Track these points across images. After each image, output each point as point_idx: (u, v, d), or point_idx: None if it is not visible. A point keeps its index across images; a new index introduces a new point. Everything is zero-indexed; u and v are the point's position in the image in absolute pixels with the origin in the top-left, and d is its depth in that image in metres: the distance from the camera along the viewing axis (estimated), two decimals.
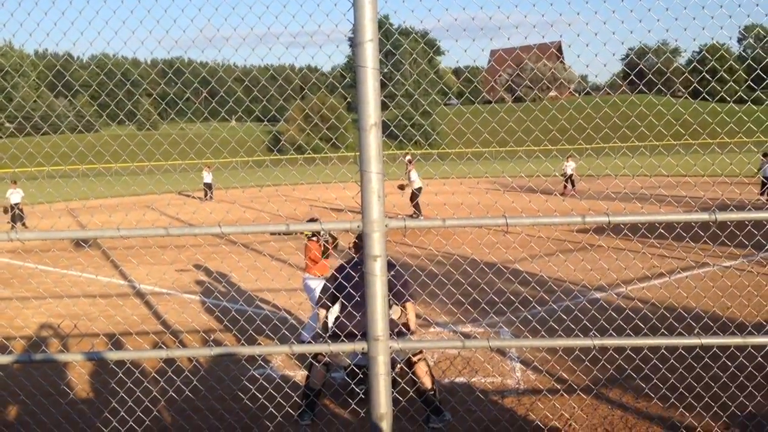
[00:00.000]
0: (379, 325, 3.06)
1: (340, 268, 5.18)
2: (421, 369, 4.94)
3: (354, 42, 2.88)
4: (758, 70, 3.58)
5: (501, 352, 6.77)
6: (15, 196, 20.63)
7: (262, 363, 6.74)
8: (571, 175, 25.30)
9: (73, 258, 13.83)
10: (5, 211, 20.32)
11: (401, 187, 18.92)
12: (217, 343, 7.51)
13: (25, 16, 3.53)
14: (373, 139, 2.91)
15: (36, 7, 3.51)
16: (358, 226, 3.01)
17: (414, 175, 18.65)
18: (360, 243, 3.47)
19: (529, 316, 7.83)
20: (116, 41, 3.72)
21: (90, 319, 8.80)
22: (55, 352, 5.68)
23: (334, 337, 4.98)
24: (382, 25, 3.13)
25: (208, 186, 29.53)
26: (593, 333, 4.04)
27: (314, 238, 7.43)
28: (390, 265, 4.30)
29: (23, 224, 20.76)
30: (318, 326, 5.62)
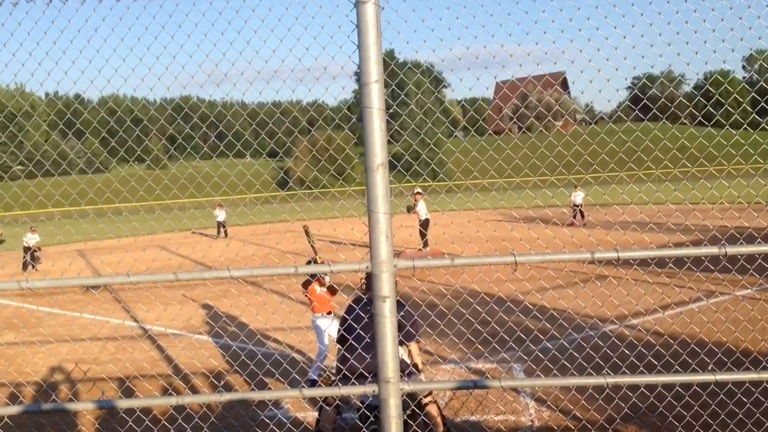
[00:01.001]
0: (390, 367, 3.03)
1: (350, 309, 5.15)
2: (433, 411, 4.88)
3: (360, 83, 2.92)
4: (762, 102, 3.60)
5: (514, 389, 6.68)
6: (32, 241, 21.11)
7: (272, 407, 6.67)
8: (580, 206, 25.25)
9: (84, 301, 13.84)
10: (25, 251, 20.66)
11: (409, 210, 19.09)
12: (228, 387, 7.45)
13: (35, 65, 3.60)
14: (379, 179, 2.92)
15: (47, 56, 3.59)
16: (367, 267, 3.00)
17: (422, 206, 18.82)
18: (368, 283, 3.46)
19: (541, 354, 7.73)
20: (127, 84, 3.80)
21: (100, 363, 8.77)
22: (64, 400, 5.65)
23: (345, 379, 4.93)
24: (386, 63, 3.17)
25: (221, 224, 29.73)
26: (606, 371, 3.99)
27: (310, 281, 7.52)
28: (399, 305, 4.28)
29: (34, 267, 20.89)
30: (330, 368, 5.59)
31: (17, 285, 3.12)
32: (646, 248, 3.12)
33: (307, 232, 7.80)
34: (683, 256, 3.03)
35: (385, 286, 2.97)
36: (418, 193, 19.45)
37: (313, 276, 7.42)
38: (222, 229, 29.78)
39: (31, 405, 3.33)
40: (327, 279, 7.51)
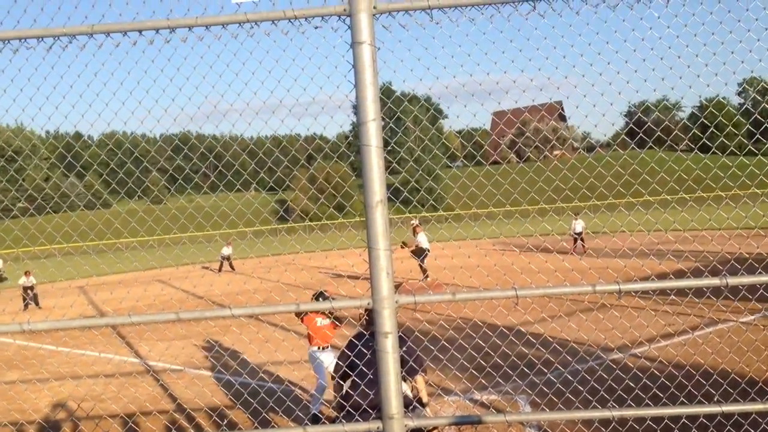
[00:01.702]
0: (393, 403, 3.01)
1: (351, 344, 5.13)
2: None
3: (357, 122, 2.96)
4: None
5: (519, 422, 6.61)
6: (28, 283, 21.21)
7: None
8: (581, 233, 25.32)
9: (86, 339, 13.78)
10: (24, 291, 20.73)
11: (404, 245, 18.99)
12: (231, 425, 7.38)
13: (35, 110, 3.65)
14: (379, 216, 2.94)
15: (47, 101, 3.64)
16: (369, 303, 3.00)
17: (422, 237, 18.78)
18: (370, 318, 3.46)
19: (545, 386, 7.67)
20: (127, 126, 3.84)
21: (102, 401, 8.70)
22: None
23: (348, 416, 4.89)
24: (384, 95, 3.22)
25: (226, 258, 29.87)
26: (611, 403, 3.96)
27: (307, 313, 7.46)
28: (401, 340, 4.27)
29: (37, 305, 20.87)
30: (333, 404, 5.55)
31: (19, 327, 3.12)
32: (647, 280, 3.12)
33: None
34: (685, 288, 3.04)
35: (387, 322, 2.97)
36: (417, 225, 19.49)
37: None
38: (227, 263, 29.80)
39: None
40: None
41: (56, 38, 3.02)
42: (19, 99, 3.34)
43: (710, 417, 5.78)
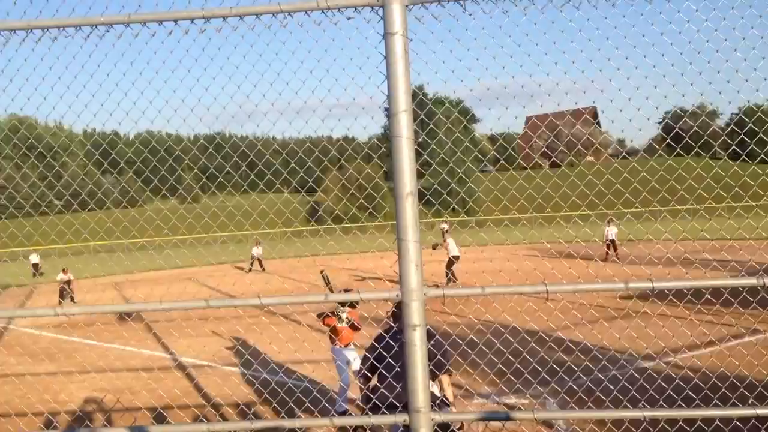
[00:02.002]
0: (420, 397, 2.99)
1: (379, 338, 5.12)
2: None
3: (389, 113, 2.95)
4: None
5: (548, 424, 6.53)
6: (65, 278, 21.88)
7: None
8: (613, 240, 24.97)
9: (117, 332, 14.01)
10: (61, 292, 21.25)
11: (435, 247, 18.85)
12: (257, 416, 7.43)
13: (73, 98, 3.71)
14: (409, 207, 2.93)
15: (84, 89, 3.70)
16: (397, 296, 2.99)
17: (451, 242, 18.59)
18: (398, 311, 3.45)
19: (575, 386, 7.57)
20: (161, 116, 3.89)
21: (133, 392, 8.83)
22: (98, 427, 5.68)
23: (375, 409, 4.88)
24: (416, 95, 3.20)
25: (256, 258, 30.01)
26: (643, 403, 3.89)
27: (329, 315, 7.57)
28: (429, 335, 4.25)
29: (72, 299, 21.37)
30: (358, 397, 5.55)
31: (53, 312, 3.18)
32: (681, 279, 3.06)
33: (324, 278, 7.84)
34: (720, 287, 2.96)
35: (415, 315, 2.95)
36: (446, 230, 19.36)
37: (331, 311, 7.50)
38: (257, 264, 29.99)
39: (66, 430, 3.36)
40: (344, 316, 7.51)
41: (94, 27, 3.06)
42: (57, 87, 3.40)
43: (744, 420, 5.64)
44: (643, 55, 3.41)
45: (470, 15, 3.11)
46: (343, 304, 7.39)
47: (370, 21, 3.07)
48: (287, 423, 3.29)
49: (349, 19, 3.09)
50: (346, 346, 7.49)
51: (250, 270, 29.67)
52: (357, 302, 7.46)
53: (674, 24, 3.19)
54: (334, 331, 7.46)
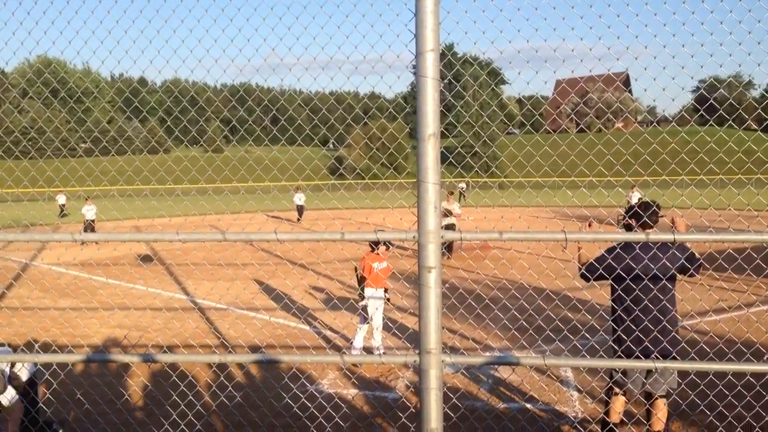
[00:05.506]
0: (432, 338, 3.01)
1: (612, 251, 5.16)
2: None
3: (416, 52, 2.89)
4: None
5: (557, 378, 6.58)
6: (90, 212, 22.99)
7: (306, 382, 6.75)
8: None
9: (140, 272, 14.26)
10: (85, 229, 21.83)
11: (448, 213, 18.74)
12: (273, 362, 7.56)
13: (98, 43, 3.70)
14: (431, 148, 2.90)
15: (109, 35, 3.68)
16: (414, 237, 2.98)
17: (455, 207, 18.53)
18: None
19: (579, 345, 7.61)
20: (185, 66, 3.86)
21: (155, 330, 9.04)
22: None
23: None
24: (445, 55, 3.13)
25: (299, 208, 29.78)
26: (655, 355, 3.88)
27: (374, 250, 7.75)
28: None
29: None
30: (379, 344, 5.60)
31: (71, 237, 3.22)
32: (703, 232, 3.01)
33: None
34: (742, 241, 2.90)
35: (431, 257, 2.94)
36: (464, 190, 19.17)
37: (375, 245, 7.57)
38: (300, 214, 29.70)
39: (91, 354, 3.45)
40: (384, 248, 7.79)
41: None
42: (83, 32, 3.39)
43: (758, 377, 5.62)
44: (682, 23, 3.29)
45: None
46: (376, 244, 7.61)
47: None
48: (298, 358, 3.34)
49: None
50: (377, 290, 7.63)
51: (299, 220, 29.60)
52: (389, 244, 7.75)
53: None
54: (371, 276, 7.58)
